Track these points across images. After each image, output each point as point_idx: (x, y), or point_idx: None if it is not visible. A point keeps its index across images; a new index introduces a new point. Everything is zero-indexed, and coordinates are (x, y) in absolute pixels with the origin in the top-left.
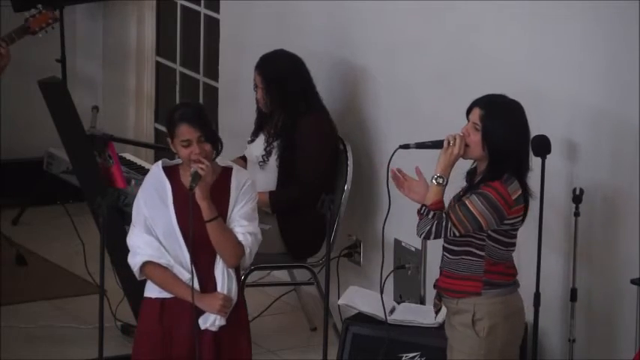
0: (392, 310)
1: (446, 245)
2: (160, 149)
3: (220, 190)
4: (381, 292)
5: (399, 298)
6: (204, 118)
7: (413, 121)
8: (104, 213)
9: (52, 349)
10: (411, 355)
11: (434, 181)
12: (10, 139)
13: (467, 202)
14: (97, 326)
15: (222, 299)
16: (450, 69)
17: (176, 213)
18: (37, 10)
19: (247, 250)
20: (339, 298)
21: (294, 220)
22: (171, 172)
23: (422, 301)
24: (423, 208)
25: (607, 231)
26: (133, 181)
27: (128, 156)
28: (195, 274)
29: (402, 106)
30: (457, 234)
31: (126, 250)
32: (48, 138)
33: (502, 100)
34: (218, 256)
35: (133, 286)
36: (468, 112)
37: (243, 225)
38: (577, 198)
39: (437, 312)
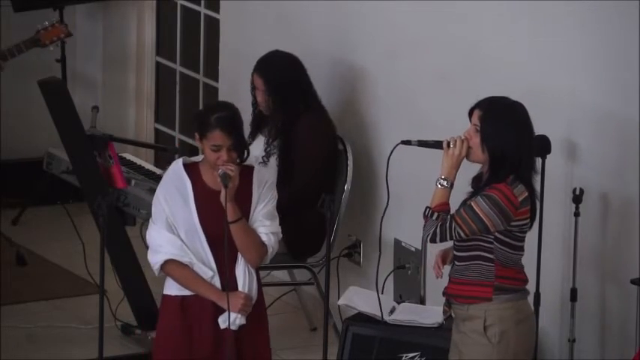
0: (392, 310)
1: (455, 253)
2: (160, 149)
3: (242, 190)
4: (377, 290)
5: (399, 298)
6: (239, 126)
7: (413, 121)
8: (104, 213)
9: (52, 349)
10: (411, 355)
11: (438, 183)
12: (10, 139)
13: (472, 203)
14: (97, 326)
15: (244, 298)
16: (450, 69)
17: (198, 211)
18: (49, 22)
19: (270, 250)
20: (339, 298)
21: (294, 220)
22: (191, 170)
23: (422, 301)
24: (427, 210)
25: (607, 231)
26: (132, 181)
27: (128, 156)
28: (217, 273)
29: (401, 106)
30: (462, 235)
31: (126, 251)
32: (48, 138)
33: (502, 101)
34: (239, 255)
35: (133, 286)
36: (470, 114)
37: (266, 225)
38: (577, 198)
39: (447, 319)
